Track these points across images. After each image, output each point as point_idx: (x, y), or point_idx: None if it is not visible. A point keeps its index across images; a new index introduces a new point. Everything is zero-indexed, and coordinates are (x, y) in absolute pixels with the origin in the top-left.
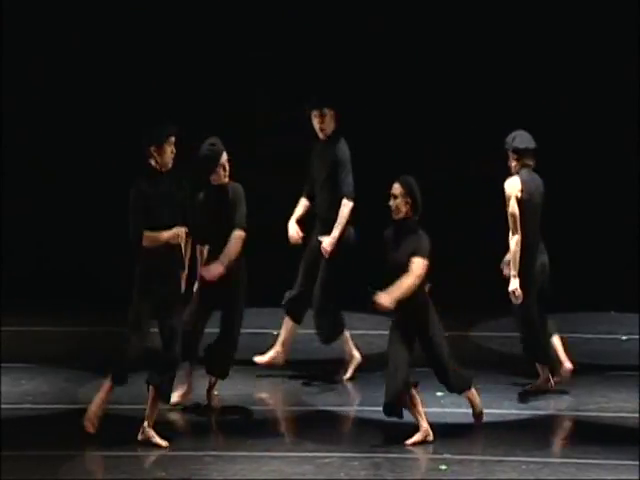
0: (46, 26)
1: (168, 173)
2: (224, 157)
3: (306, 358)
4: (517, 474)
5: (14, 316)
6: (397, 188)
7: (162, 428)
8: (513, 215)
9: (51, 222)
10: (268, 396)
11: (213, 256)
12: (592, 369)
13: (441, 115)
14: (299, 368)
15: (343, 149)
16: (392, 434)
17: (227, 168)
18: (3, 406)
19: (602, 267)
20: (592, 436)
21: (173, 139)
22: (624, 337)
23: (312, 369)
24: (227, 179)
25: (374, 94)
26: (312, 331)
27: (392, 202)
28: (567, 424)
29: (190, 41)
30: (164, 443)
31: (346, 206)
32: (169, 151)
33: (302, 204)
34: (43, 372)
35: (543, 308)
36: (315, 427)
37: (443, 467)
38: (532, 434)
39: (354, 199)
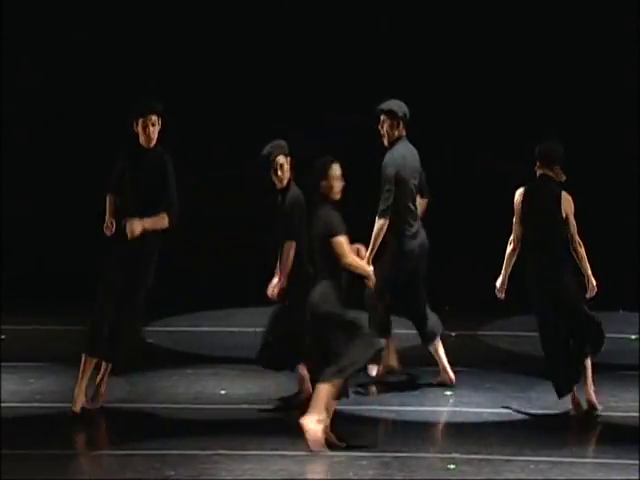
0: (46, 26)
1: (152, 150)
2: (279, 160)
3: None
4: (525, 474)
5: (14, 316)
6: (338, 169)
7: (174, 427)
8: (513, 223)
9: (51, 222)
10: (277, 395)
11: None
12: (601, 368)
13: (441, 115)
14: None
15: (385, 168)
16: (401, 433)
17: (280, 172)
18: (12, 405)
19: (611, 266)
20: (601, 435)
21: (155, 116)
22: (633, 336)
23: None
24: (284, 183)
25: (375, 93)
26: None
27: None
28: (576, 424)
29: (190, 41)
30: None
31: (376, 224)
32: (150, 127)
33: None
34: (52, 371)
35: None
36: None
37: (451, 466)
38: (541, 434)
39: (386, 217)
